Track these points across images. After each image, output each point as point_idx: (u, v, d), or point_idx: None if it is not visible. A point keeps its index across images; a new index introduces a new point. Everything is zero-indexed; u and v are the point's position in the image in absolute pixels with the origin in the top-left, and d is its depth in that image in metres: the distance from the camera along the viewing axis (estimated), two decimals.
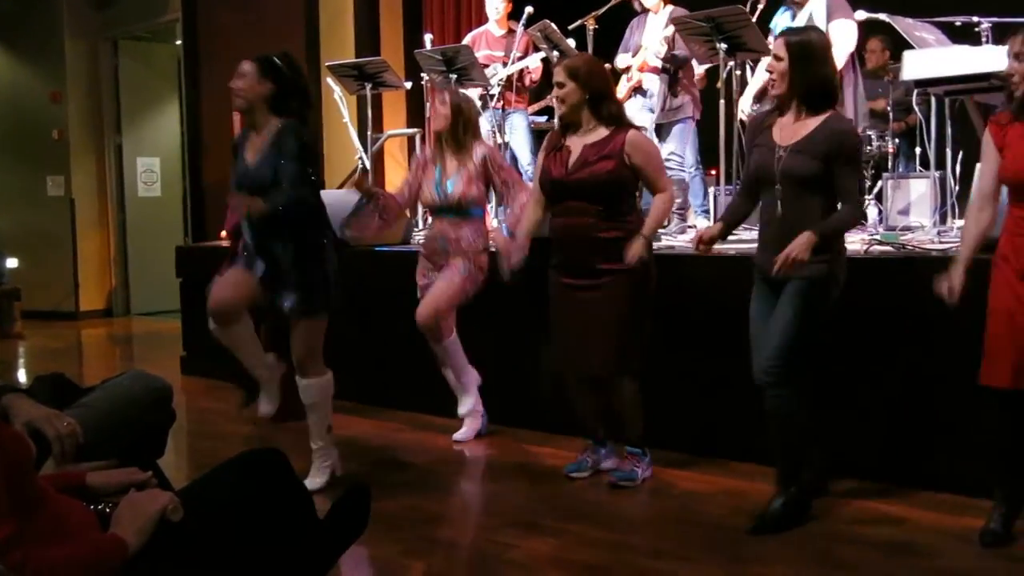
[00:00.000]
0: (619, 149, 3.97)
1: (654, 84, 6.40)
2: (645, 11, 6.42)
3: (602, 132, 4.04)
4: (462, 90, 6.58)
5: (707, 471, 4.32)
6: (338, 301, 4.11)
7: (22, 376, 7.49)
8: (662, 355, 4.32)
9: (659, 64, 6.28)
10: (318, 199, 4.08)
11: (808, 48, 3.52)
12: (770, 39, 5.44)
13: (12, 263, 10.15)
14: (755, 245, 3.83)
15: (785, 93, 3.55)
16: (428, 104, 7.25)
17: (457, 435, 4.96)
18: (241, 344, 4.22)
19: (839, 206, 3.51)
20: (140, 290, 10.78)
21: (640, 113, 6.46)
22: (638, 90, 6.47)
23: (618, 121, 4.07)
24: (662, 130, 6.37)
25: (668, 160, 6.36)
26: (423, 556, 3.54)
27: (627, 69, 6.38)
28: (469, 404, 4.95)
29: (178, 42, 10.00)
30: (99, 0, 10.71)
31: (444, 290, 4.70)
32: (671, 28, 6.13)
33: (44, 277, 10.48)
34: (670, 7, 6.31)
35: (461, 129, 4.76)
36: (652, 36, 6.31)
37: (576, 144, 4.05)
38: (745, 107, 5.82)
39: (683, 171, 6.42)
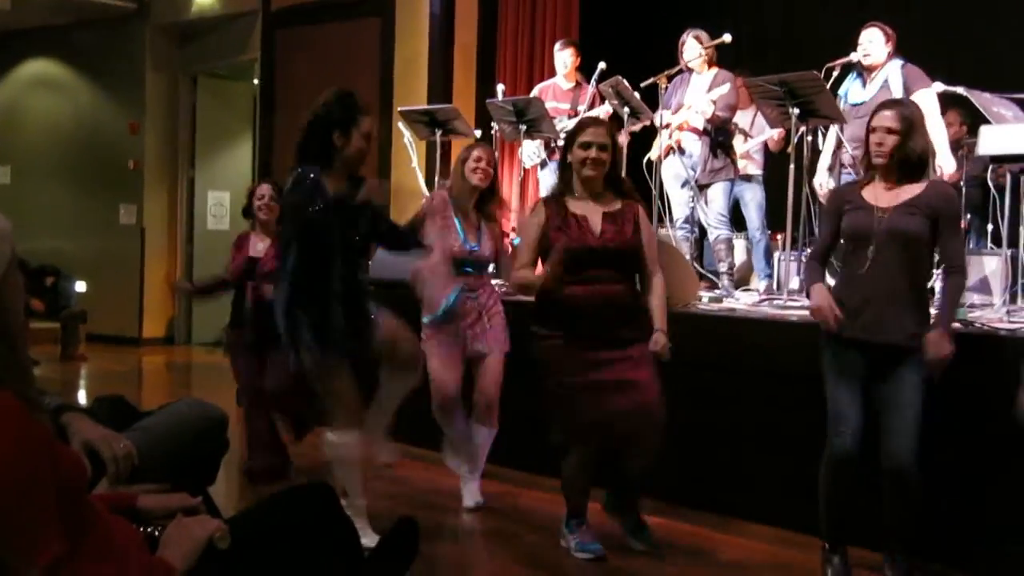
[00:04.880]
0: (636, 220, 3.89)
1: (694, 145, 6.39)
2: (690, 70, 6.43)
3: (616, 204, 3.91)
4: (529, 141, 6.70)
5: (748, 536, 4.24)
6: (337, 353, 3.77)
7: (82, 397, 7.61)
8: (727, 415, 4.24)
9: (700, 125, 6.28)
10: (305, 255, 3.75)
11: (915, 120, 3.56)
12: (841, 105, 5.42)
13: (80, 287, 10.38)
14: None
15: (889, 164, 3.54)
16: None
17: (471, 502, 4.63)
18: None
19: (936, 269, 3.46)
20: (202, 320, 10.92)
21: (679, 172, 6.45)
22: (677, 148, 6.45)
23: (631, 195, 3.99)
24: (703, 190, 6.36)
25: (717, 220, 6.35)
26: None
27: (666, 126, 6.35)
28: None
29: (255, 81, 10.24)
30: (181, 37, 11.04)
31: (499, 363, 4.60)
32: (717, 91, 6.13)
33: (110, 302, 10.72)
34: (715, 69, 6.33)
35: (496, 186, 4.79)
36: (695, 96, 6.31)
37: (591, 213, 3.85)
38: (823, 181, 5.74)
39: (729, 231, 6.40)
